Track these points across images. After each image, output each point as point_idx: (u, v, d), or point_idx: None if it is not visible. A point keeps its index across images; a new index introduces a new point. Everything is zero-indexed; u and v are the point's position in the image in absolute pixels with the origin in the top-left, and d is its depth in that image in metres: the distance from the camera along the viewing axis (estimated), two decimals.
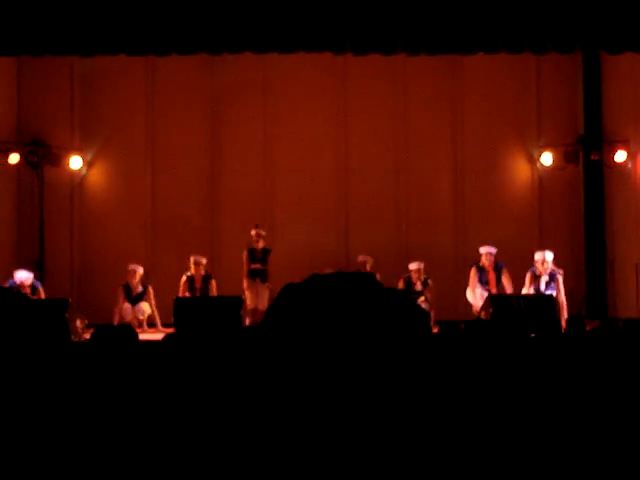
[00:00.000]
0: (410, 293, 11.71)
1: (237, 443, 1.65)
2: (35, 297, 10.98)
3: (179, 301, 10.81)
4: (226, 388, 2.89)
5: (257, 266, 11.97)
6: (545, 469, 2.50)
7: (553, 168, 13.47)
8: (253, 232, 12.05)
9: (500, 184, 13.45)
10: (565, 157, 13.39)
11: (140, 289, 12.01)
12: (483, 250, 11.87)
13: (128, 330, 4.18)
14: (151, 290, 12.01)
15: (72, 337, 9.98)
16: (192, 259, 11.91)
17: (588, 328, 6.41)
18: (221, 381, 3.11)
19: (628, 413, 3.08)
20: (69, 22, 10.07)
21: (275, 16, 10.16)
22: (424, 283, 12.09)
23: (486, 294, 11.50)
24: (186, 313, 10.33)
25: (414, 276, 12.09)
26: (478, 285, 11.82)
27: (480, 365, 3.42)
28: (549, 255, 11.64)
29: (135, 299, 11.97)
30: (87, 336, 9.62)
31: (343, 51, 10.65)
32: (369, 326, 1.49)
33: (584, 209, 13.40)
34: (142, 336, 4.81)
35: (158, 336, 6.30)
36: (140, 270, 12.06)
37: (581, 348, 4.42)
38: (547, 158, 13.45)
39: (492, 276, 11.80)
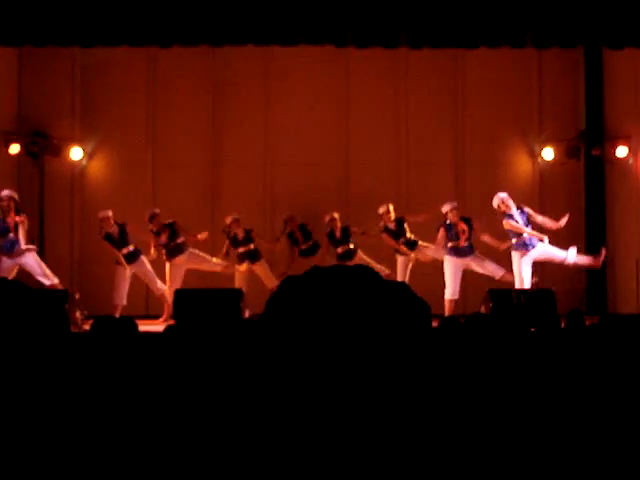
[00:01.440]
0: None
1: (237, 436, 1.65)
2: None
3: (179, 293, 10.81)
4: (226, 380, 2.88)
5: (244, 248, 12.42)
6: (544, 464, 2.50)
7: (554, 163, 13.46)
8: (229, 220, 12.38)
9: (501, 179, 13.43)
10: (566, 152, 13.38)
11: (117, 230, 11.99)
12: (447, 207, 11.79)
13: (128, 322, 4.18)
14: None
15: (72, 328, 9.97)
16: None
17: (588, 324, 6.41)
18: (221, 373, 3.11)
19: (627, 408, 3.07)
20: (71, 12, 10.04)
21: (277, 8, 10.14)
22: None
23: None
24: (186, 305, 10.32)
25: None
26: (447, 243, 11.79)
27: (479, 359, 3.42)
28: (501, 194, 11.53)
29: (121, 241, 11.94)
30: (87, 327, 9.62)
31: (345, 44, 10.62)
32: (369, 319, 1.49)
33: (585, 204, 13.39)
34: (142, 327, 4.81)
35: (159, 328, 6.31)
36: (109, 213, 12.02)
37: (581, 343, 4.42)
38: (548, 153, 13.44)
39: (462, 227, 11.72)
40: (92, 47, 10.90)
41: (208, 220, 12.79)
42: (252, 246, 12.49)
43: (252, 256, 12.48)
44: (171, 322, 11.08)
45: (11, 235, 11.22)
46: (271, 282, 12.13)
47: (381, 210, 12.36)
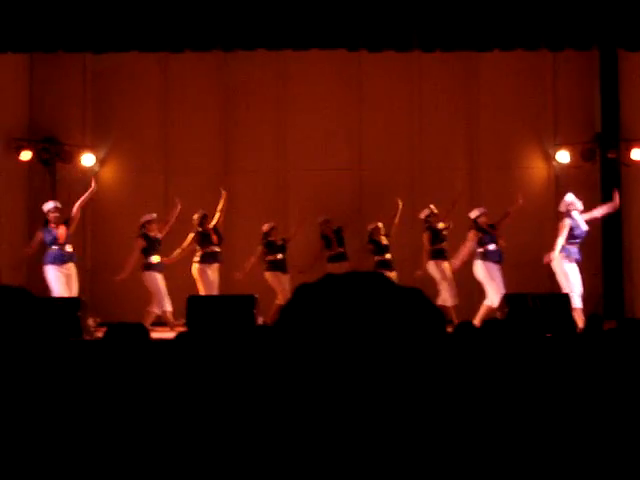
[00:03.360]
0: None
1: (249, 443, 1.61)
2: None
3: (192, 299, 10.75)
4: (239, 388, 2.84)
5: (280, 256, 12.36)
6: (560, 469, 2.46)
7: (569, 166, 13.38)
8: (266, 226, 12.19)
9: (516, 182, 13.36)
10: (582, 155, 13.30)
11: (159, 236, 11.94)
12: (476, 212, 11.73)
13: (140, 329, 4.13)
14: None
15: (84, 336, 9.95)
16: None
17: (605, 328, 6.34)
18: (234, 381, 3.06)
19: None
20: (82, 18, 10.04)
21: (289, 13, 10.10)
22: None
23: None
24: (199, 311, 10.27)
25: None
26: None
27: (495, 365, 3.37)
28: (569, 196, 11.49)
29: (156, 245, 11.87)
30: (99, 335, 9.59)
31: (357, 48, 10.58)
32: (383, 326, 1.45)
33: None
34: (154, 335, 4.78)
35: (171, 335, 6.28)
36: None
37: (598, 348, 4.36)
38: (564, 156, 13.37)
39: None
40: (104, 53, 10.90)
41: (220, 227, 12.71)
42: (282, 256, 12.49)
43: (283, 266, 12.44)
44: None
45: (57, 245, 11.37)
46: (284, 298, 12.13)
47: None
